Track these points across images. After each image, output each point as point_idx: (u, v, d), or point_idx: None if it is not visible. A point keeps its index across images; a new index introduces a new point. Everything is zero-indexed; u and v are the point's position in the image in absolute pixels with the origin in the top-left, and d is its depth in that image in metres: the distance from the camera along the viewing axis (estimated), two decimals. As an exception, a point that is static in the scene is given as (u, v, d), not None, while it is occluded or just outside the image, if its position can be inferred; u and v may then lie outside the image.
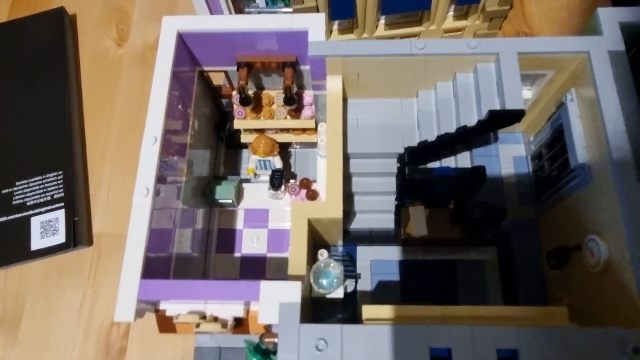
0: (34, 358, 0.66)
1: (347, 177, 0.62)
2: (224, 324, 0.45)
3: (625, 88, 0.50)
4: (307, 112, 0.65)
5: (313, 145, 0.72)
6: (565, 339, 0.42)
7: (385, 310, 0.46)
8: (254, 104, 0.64)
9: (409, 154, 0.59)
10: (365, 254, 0.65)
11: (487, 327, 0.42)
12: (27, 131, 0.74)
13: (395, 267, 0.65)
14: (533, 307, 0.46)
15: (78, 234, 0.68)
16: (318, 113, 0.66)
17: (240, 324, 0.48)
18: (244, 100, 0.61)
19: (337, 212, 0.51)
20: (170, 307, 0.47)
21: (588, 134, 0.52)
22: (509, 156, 0.69)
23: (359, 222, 0.65)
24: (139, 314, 0.46)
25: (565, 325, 0.44)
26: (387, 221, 0.64)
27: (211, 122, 0.71)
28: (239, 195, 0.70)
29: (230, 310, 0.46)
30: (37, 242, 0.66)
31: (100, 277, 0.69)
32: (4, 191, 0.70)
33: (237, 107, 0.65)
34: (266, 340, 0.45)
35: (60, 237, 0.67)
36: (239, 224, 0.71)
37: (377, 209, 0.63)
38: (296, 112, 0.65)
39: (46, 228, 0.67)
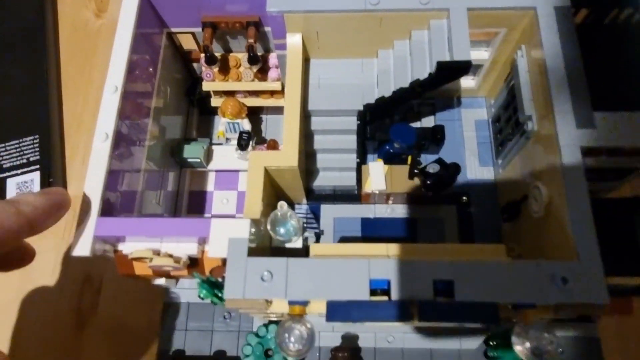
0: (9, 312, 0.68)
1: (309, 135, 0.64)
2: (177, 260, 0.47)
3: (569, 42, 0.52)
4: (272, 74, 0.67)
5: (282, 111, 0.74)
6: (499, 271, 0.43)
7: (331, 248, 0.48)
8: (221, 65, 0.66)
9: (368, 112, 0.61)
10: (329, 212, 0.68)
11: (425, 261, 0.44)
12: (5, 97, 0.76)
13: (357, 224, 0.67)
14: (472, 244, 0.47)
15: (52, 193, 0.70)
16: (284, 77, 0.68)
17: (195, 264, 0.50)
18: (210, 60, 0.63)
19: (293, 161, 0.53)
20: (127, 246, 0.49)
21: (535, 88, 0.54)
22: (471, 120, 0.71)
23: (322, 180, 0.67)
24: (99, 252, 0.48)
25: (500, 259, 0.46)
26: (349, 179, 0.66)
27: (182, 87, 0.73)
28: (209, 156, 0.72)
29: (185, 248, 0.48)
30: (11, 200, 0.69)
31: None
32: None
33: (205, 69, 0.67)
34: (215, 273, 0.47)
35: (34, 196, 0.69)
36: (210, 187, 0.73)
37: (339, 166, 0.65)
38: (262, 75, 0.67)
39: (22, 189, 0.69)
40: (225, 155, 0.72)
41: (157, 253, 0.47)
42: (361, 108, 0.61)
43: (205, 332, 0.66)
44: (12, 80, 0.78)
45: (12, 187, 0.70)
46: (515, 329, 0.43)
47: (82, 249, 0.46)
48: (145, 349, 0.66)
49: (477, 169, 0.69)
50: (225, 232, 0.46)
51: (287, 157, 0.54)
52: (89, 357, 0.66)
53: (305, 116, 0.63)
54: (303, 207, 0.68)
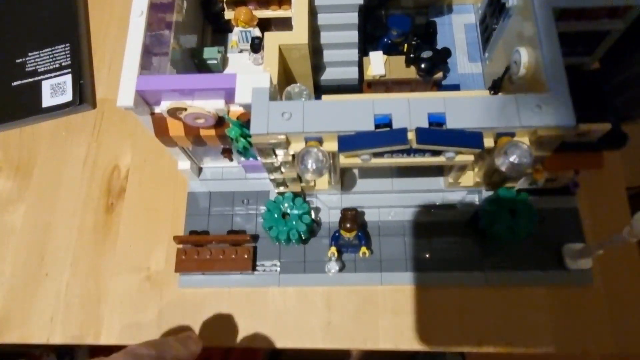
0: (47, 197, 0.77)
1: (316, 32, 0.71)
2: (206, 117, 0.54)
3: None
4: (281, -18, 0.74)
5: (291, 27, 0.81)
6: (484, 104, 0.51)
7: (341, 97, 0.56)
8: (234, -29, 0.73)
9: (368, 5, 0.68)
10: (335, 105, 0.75)
11: (421, 98, 0.52)
12: (37, 10, 0.85)
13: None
14: (461, 91, 0.55)
15: (83, 94, 0.79)
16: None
17: (221, 124, 0.58)
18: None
19: (304, 38, 0.61)
20: (163, 106, 0.56)
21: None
22: (460, 24, 0.79)
23: (329, 74, 0.74)
24: (138, 111, 0.56)
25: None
26: (352, 73, 0.74)
27: (198, 1, 0.80)
28: (224, 62, 0.79)
29: (213, 104, 0.56)
30: (47, 100, 0.77)
31: (103, 134, 0.80)
32: (18, 60, 0.81)
33: (219, -22, 0.75)
34: (242, 117, 0.54)
35: (68, 96, 0.77)
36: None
37: (343, 60, 0.73)
38: (272, -18, 0.75)
39: (55, 89, 0.77)
40: (239, 62, 0.79)
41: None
42: (362, 2, 0.68)
43: (226, 216, 0.74)
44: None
45: (47, 88, 0.79)
46: (496, 152, 0.51)
47: (126, 100, 0.53)
48: (172, 229, 0.73)
49: (467, 64, 0.76)
50: (250, 83, 0.54)
51: (298, 35, 0.61)
52: (119, 234, 0.74)
53: (312, 14, 0.70)
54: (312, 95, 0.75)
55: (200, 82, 0.54)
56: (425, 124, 0.51)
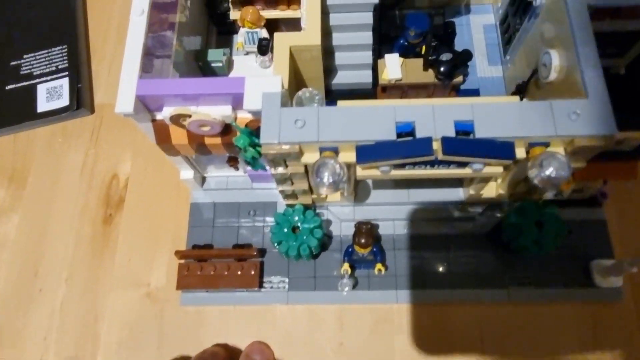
0: (42, 207, 0.72)
1: (328, 33, 0.67)
2: (212, 124, 0.50)
3: None
4: (290, -21, 0.70)
5: (299, 27, 0.77)
6: (515, 111, 0.47)
7: (358, 103, 0.51)
8: (240, -31, 0.69)
9: (384, 4, 0.64)
10: (347, 110, 0.71)
11: (447, 104, 0.48)
12: (33, 10, 0.80)
13: (374, 121, 0.70)
14: (489, 97, 0.51)
15: (81, 99, 0.74)
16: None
17: (227, 132, 0.54)
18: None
19: (316, 39, 0.57)
20: (166, 112, 0.52)
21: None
22: (479, 25, 0.75)
23: (341, 78, 0.70)
24: (139, 118, 0.52)
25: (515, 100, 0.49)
26: (366, 76, 0.70)
27: (202, 2, 0.76)
28: (230, 65, 0.75)
29: (220, 110, 0.51)
30: (43, 105, 0.73)
31: (101, 140, 0.75)
32: (12, 63, 0.77)
33: (224, -24, 0.70)
34: (251, 125, 0.50)
35: (64, 101, 0.73)
36: (231, 97, 0.76)
37: (356, 63, 0.69)
38: (280, -20, 0.71)
39: (51, 93, 0.73)
40: (245, 64, 0.75)
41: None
42: (377, 1, 0.64)
43: (231, 228, 0.70)
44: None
45: (43, 92, 0.75)
46: (530, 164, 0.47)
47: (125, 106, 0.49)
48: (174, 242, 0.69)
49: (486, 67, 0.72)
50: (259, 87, 0.49)
51: (310, 36, 0.57)
52: (117, 247, 0.70)
53: (324, 13, 0.66)
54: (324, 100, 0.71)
55: (205, 87, 0.50)
56: (451, 133, 0.46)
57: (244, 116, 0.52)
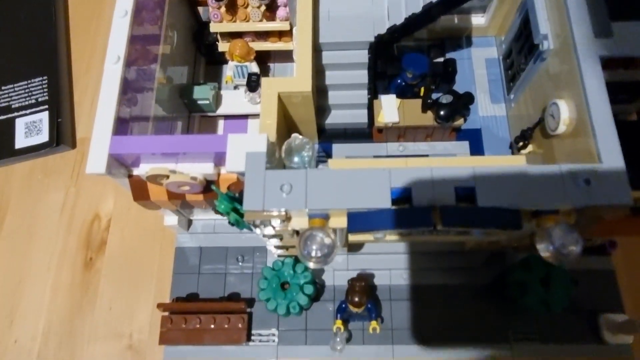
0: (18, 250, 0.68)
1: (320, 71, 0.63)
2: (194, 178, 0.46)
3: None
4: (281, 12, 0.66)
5: (291, 59, 0.73)
6: (521, 176, 0.43)
7: (350, 163, 0.47)
8: (228, 3, 0.65)
9: (380, 42, 0.60)
10: (341, 151, 0.67)
11: (446, 167, 0.44)
12: (12, 39, 0.76)
13: (369, 162, 0.66)
14: (492, 156, 0.47)
15: (61, 134, 0.70)
16: (293, 17, 0.67)
17: (209, 190, 0.50)
18: (217, -6, 0.62)
19: (306, 86, 0.53)
20: (142, 169, 0.48)
21: (549, 5, 0.54)
22: (481, 58, 0.71)
23: (334, 118, 0.66)
24: (113, 174, 0.48)
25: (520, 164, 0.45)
26: (360, 116, 0.66)
27: (189, 34, 0.72)
28: (218, 100, 0.71)
29: (201, 168, 0.48)
30: (21, 141, 0.69)
31: (82, 177, 0.71)
32: None
33: (212, 10, 0.66)
34: (233, 188, 0.46)
35: (43, 137, 0.69)
36: (219, 133, 0.72)
37: (350, 103, 0.65)
38: (271, 14, 0.67)
39: (30, 128, 0.69)
40: (234, 100, 0.71)
41: (173, 172, 0.47)
42: (372, 40, 0.60)
43: (218, 275, 0.66)
44: (20, 22, 0.78)
45: (21, 126, 0.71)
46: (538, 235, 0.43)
47: (97, 167, 0.45)
48: (158, 289, 0.65)
49: (488, 105, 0.68)
50: (243, 146, 0.45)
51: (300, 82, 0.53)
52: (98, 294, 0.66)
53: (316, 51, 0.62)
54: (315, 146, 0.67)
55: (185, 145, 0.46)
56: (451, 198, 0.42)
57: (226, 174, 0.48)
